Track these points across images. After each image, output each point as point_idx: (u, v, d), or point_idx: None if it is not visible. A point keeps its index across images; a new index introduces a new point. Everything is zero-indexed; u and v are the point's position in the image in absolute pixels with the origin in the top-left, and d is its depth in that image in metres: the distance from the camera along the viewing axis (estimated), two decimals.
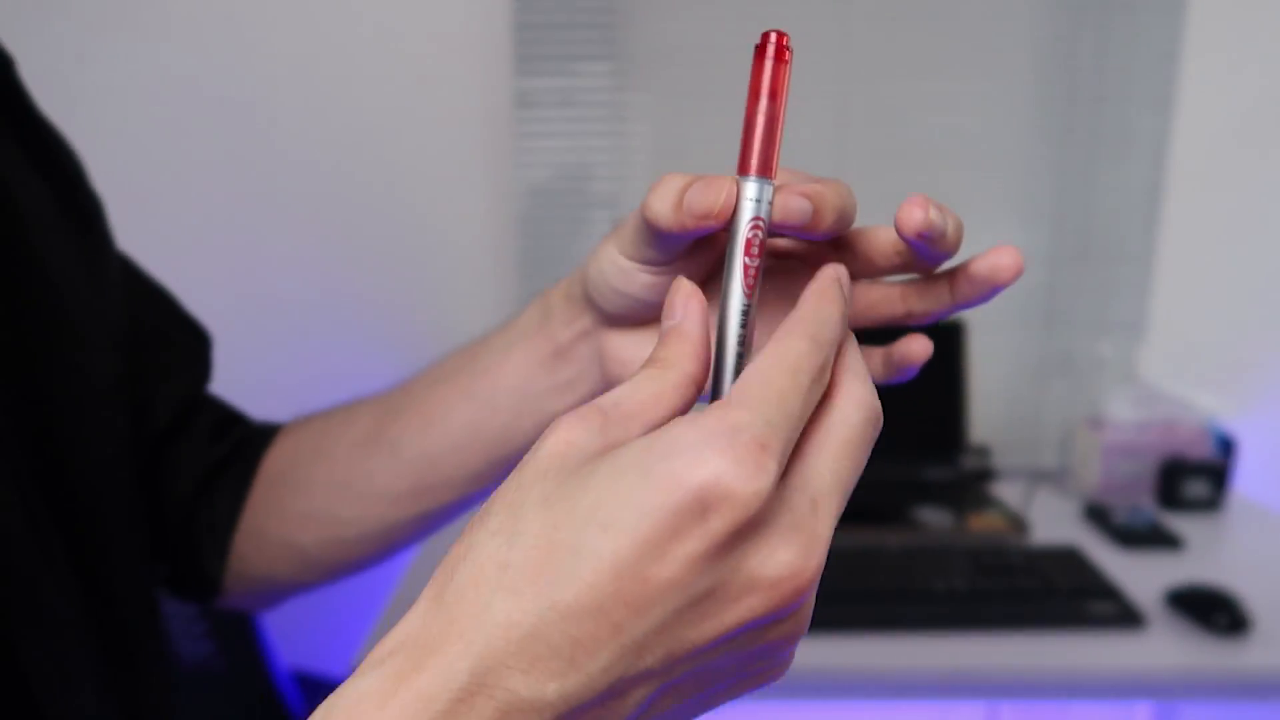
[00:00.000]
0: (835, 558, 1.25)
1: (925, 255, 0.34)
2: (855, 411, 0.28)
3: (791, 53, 0.31)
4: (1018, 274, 0.33)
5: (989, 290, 0.34)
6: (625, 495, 0.23)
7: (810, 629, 1.04)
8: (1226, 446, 1.44)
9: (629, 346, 0.40)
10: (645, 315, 0.39)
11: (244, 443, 0.54)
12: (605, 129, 1.50)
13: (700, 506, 0.22)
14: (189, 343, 0.54)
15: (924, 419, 1.49)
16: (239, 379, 0.65)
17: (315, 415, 0.54)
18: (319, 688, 1.34)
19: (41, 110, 0.48)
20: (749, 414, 0.24)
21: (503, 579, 0.23)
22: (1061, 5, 1.46)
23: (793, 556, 0.24)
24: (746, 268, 0.31)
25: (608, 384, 0.42)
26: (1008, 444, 1.57)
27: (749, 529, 0.23)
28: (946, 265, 0.36)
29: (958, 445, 1.48)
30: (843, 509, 0.27)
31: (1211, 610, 1.04)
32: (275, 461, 0.53)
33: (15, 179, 0.44)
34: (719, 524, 0.23)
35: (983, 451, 1.52)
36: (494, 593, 0.23)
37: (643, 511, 0.23)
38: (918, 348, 0.37)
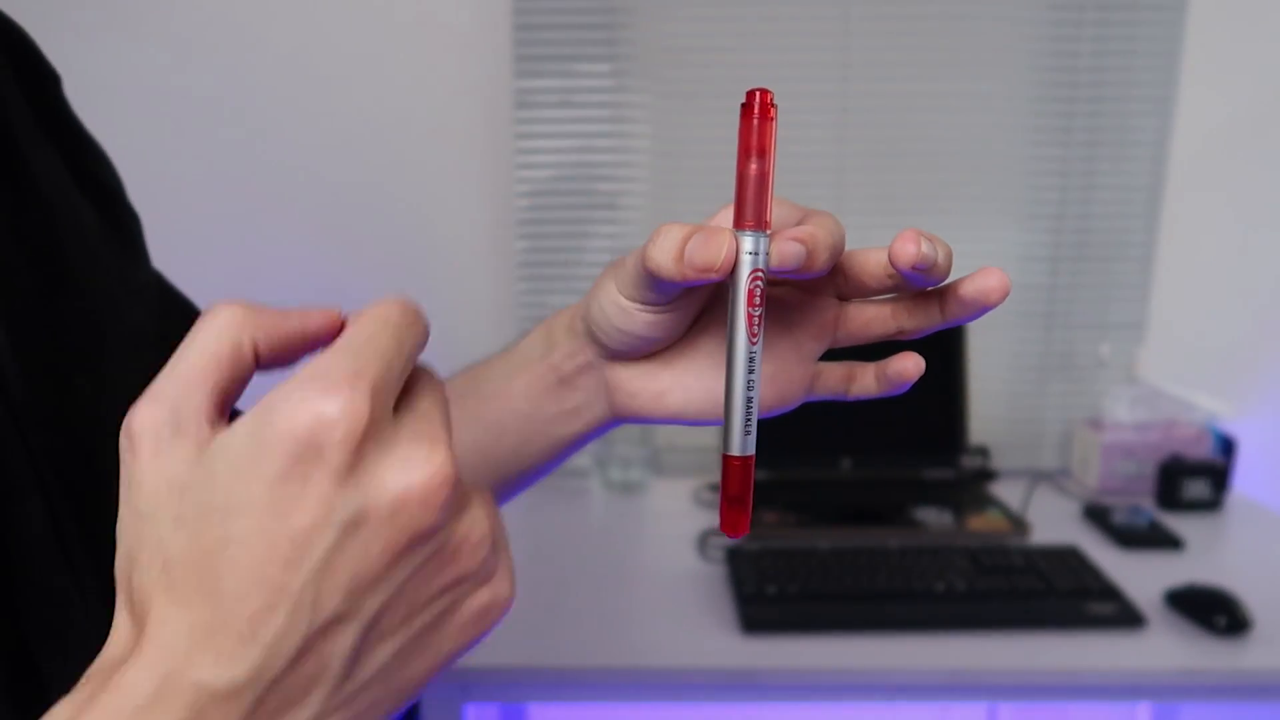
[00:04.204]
0: (836, 558, 1.25)
1: (917, 282, 0.35)
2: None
3: (777, 109, 0.32)
4: (1005, 295, 0.35)
5: (978, 311, 0.36)
6: (247, 470, 0.24)
7: (810, 629, 1.04)
8: (1226, 446, 1.44)
9: (635, 379, 0.41)
10: (647, 350, 0.40)
11: None
12: (605, 129, 1.50)
13: (313, 445, 0.24)
14: None
15: (924, 419, 1.50)
16: None
17: None
18: None
19: (85, 127, 0.48)
20: (337, 356, 0.25)
21: (171, 593, 0.24)
22: (1061, 5, 1.46)
23: (422, 457, 0.25)
24: (750, 317, 0.32)
25: (615, 414, 0.43)
26: (1008, 444, 1.57)
27: (367, 448, 0.24)
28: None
29: (958, 445, 1.48)
30: (445, 414, 0.28)
31: (1211, 610, 1.04)
32: None
33: (58, 195, 0.44)
34: (335, 454, 0.24)
35: (983, 451, 1.52)
36: (166, 605, 0.24)
37: (266, 477, 0.24)
38: (910, 365, 0.39)
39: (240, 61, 1.46)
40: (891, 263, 0.34)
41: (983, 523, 1.32)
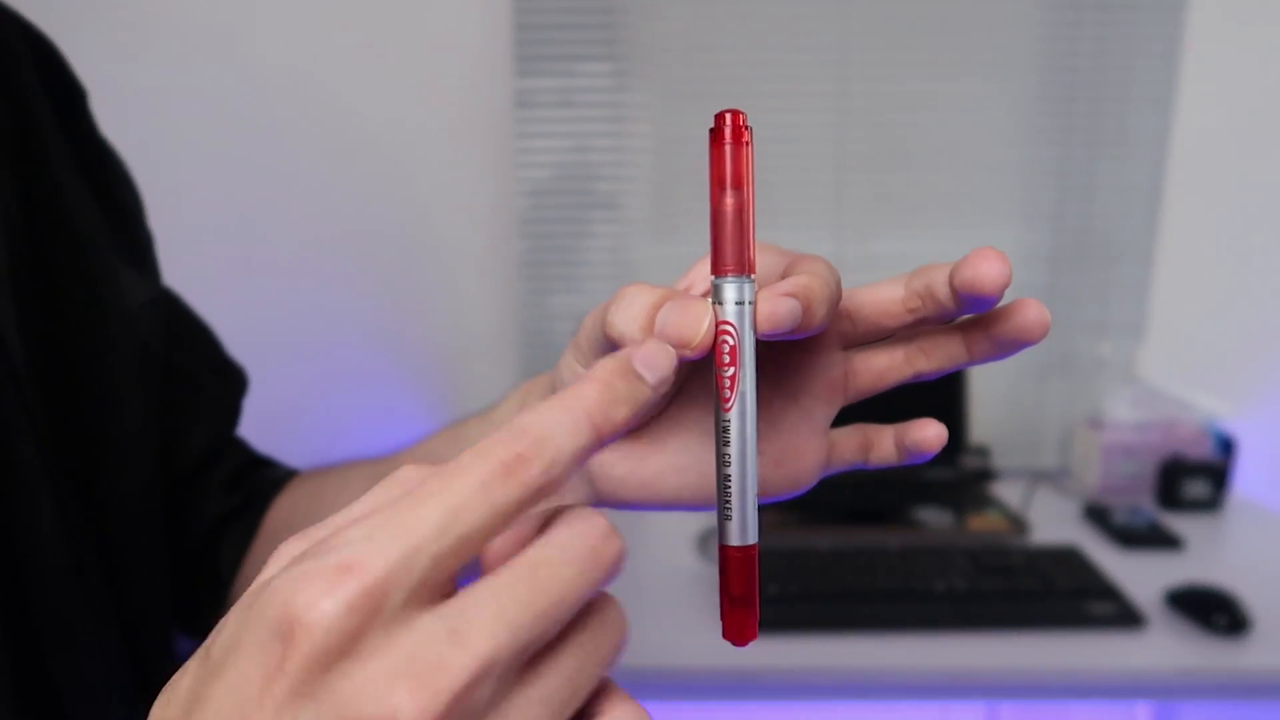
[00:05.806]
0: (836, 558, 1.24)
1: (973, 309, 0.30)
2: (563, 531, 0.22)
3: (751, 131, 0.27)
4: (1045, 331, 0.30)
5: (1014, 349, 0.31)
6: (232, 634, 0.20)
7: (810, 629, 1.03)
8: (1226, 446, 1.44)
9: (619, 463, 0.35)
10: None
11: (255, 493, 0.54)
12: (605, 129, 1.50)
13: (280, 642, 0.19)
14: (220, 388, 0.54)
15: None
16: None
17: (316, 472, 0.54)
18: None
19: (110, 144, 0.48)
20: (349, 531, 0.20)
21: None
22: (1061, 5, 1.46)
23: (401, 691, 0.19)
24: (721, 380, 0.27)
25: (600, 502, 0.37)
26: (1008, 444, 1.57)
27: (334, 659, 0.19)
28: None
29: (958, 445, 1.48)
30: (517, 644, 0.20)
31: (1211, 610, 1.04)
32: (276, 518, 0.53)
33: (77, 209, 0.45)
34: (296, 658, 0.19)
35: (983, 451, 1.52)
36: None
37: (238, 653, 0.20)
38: (931, 435, 0.34)
39: (240, 61, 1.46)
40: (970, 287, 0.28)
41: (983, 523, 1.32)
